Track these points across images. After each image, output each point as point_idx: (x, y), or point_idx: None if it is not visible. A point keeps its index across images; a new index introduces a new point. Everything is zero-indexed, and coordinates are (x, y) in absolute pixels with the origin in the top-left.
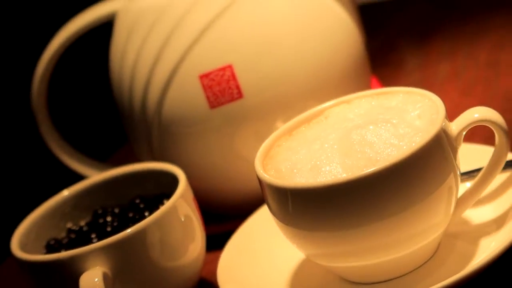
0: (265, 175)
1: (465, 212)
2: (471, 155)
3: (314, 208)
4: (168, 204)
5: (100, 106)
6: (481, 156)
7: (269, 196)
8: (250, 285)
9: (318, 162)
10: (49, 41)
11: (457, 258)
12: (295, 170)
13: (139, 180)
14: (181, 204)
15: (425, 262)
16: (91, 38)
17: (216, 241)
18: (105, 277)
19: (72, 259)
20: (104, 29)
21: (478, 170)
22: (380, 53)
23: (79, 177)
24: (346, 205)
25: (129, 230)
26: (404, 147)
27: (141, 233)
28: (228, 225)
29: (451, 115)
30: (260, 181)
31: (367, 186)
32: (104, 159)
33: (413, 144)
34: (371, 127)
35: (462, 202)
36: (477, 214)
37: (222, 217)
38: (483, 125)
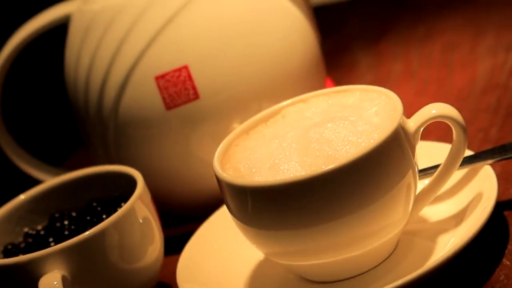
0: (224, 174)
1: (423, 209)
2: (427, 152)
3: (273, 206)
4: (126, 206)
5: (54, 110)
6: (437, 153)
7: (228, 196)
8: (210, 285)
9: (276, 161)
10: (3, 45)
11: (416, 255)
12: (253, 169)
13: (96, 183)
14: (139, 206)
15: (384, 260)
16: (43, 41)
17: (174, 243)
18: (64, 280)
19: (30, 262)
20: (57, 32)
21: (436, 167)
22: (333, 55)
23: (35, 182)
24: (305, 203)
25: (87, 233)
26: (363, 144)
27: (99, 235)
28: (186, 227)
29: (406, 114)
30: (218, 180)
31: (326, 183)
32: (59, 164)
33: (372, 140)
34: (329, 125)
35: (420, 199)
36: (435, 212)
37: (180, 219)
38: (439, 123)
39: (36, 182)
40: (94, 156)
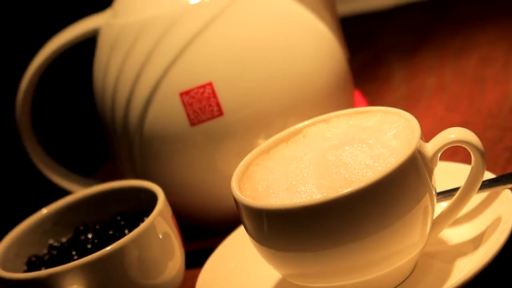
0: (241, 195)
1: (442, 232)
2: (450, 174)
3: (289, 228)
4: (146, 222)
5: (85, 121)
6: (459, 175)
7: (244, 217)
8: None
9: (294, 182)
10: (33, 57)
11: (434, 277)
12: (271, 190)
13: (120, 197)
14: (159, 221)
15: (402, 282)
16: (75, 54)
17: (196, 257)
18: None
19: (50, 277)
20: (88, 45)
21: (455, 190)
22: (367, 66)
23: (65, 193)
24: (321, 226)
25: (107, 249)
26: (379, 168)
27: (119, 251)
28: (208, 242)
29: (435, 129)
30: (236, 201)
31: (342, 207)
32: (89, 174)
33: (388, 164)
34: (347, 147)
35: (438, 222)
36: (454, 234)
37: (203, 233)
38: None
39: (62, 193)
40: (121, 169)
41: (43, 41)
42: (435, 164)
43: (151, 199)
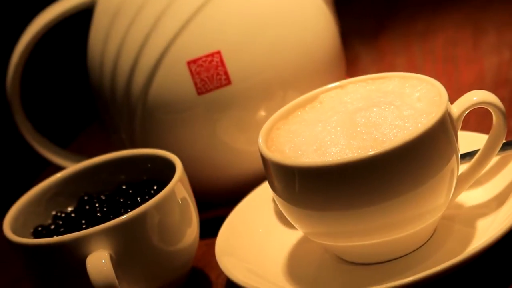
0: (272, 154)
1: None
2: (463, 142)
3: (320, 187)
4: (168, 187)
5: (51, 94)
6: (472, 143)
7: (274, 176)
8: (248, 260)
9: (322, 144)
10: (23, 30)
11: (456, 240)
12: (299, 152)
13: (122, 166)
14: (179, 188)
15: (423, 245)
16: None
17: (204, 228)
18: (111, 259)
19: (75, 241)
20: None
21: (473, 153)
22: None
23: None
24: (352, 186)
25: (131, 213)
26: (410, 128)
27: (142, 216)
28: (210, 213)
29: None
30: (265, 160)
31: (375, 166)
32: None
33: (419, 125)
34: (374, 109)
35: (458, 184)
36: (471, 197)
37: (205, 205)
38: (476, 111)
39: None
40: (115, 140)
41: (31, 17)
42: (459, 126)
43: (157, 168)
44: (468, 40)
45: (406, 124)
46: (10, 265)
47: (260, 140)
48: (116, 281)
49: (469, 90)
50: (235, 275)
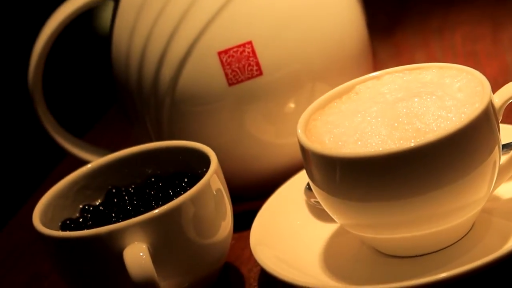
0: (312, 145)
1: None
2: None
3: (362, 178)
4: (204, 180)
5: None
6: (507, 135)
7: (314, 166)
8: (283, 250)
9: (363, 134)
10: (43, 23)
11: (495, 234)
12: (340, 142)
13: (149, 159)
14: (214, 180)
15: (461, 239)
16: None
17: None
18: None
19: (111, 234)
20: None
21: (510, 144)
22: None
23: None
24: (394, 177)
25: (167, 206)
26: (453, 119)
27: (178, 208)
28: (238, 207)
29: None
30: (304, 151)
31: (418, 157)
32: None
33: (462, 115)
34: (416, 99)
35: (498, 176)
36: (509, 189)
37: (233, 198)
38: None
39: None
40: (138, 133)
41: (51, 10)
42: (500, 117)
43: (184, 160)
44: (487, 35)
45: (449, 115)
46: (28, 263)
47: (299, 130)
48: (155, 274)
49: (493, 84)
50: (271, 266)
